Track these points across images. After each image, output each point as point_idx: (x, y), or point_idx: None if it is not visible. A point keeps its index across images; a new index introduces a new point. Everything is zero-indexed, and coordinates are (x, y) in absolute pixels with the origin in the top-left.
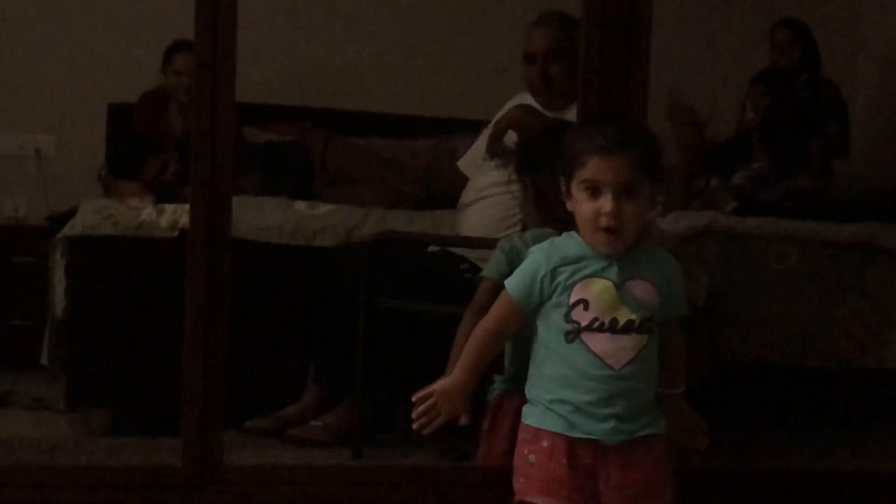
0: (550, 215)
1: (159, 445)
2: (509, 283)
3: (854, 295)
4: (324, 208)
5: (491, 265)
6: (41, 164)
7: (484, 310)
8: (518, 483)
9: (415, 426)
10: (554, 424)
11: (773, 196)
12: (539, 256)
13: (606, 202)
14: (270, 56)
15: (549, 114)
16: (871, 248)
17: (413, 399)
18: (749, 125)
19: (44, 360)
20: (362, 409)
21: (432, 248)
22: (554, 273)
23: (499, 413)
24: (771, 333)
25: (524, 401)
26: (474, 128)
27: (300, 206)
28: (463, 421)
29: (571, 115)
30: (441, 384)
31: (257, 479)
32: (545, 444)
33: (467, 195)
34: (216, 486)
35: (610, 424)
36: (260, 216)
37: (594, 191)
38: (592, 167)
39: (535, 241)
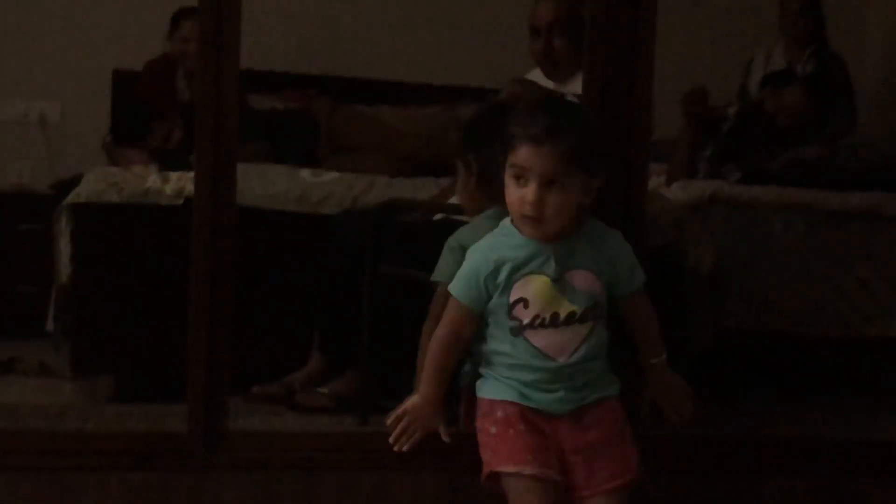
0: (492, 198)
1: (165, 412)
2: (454, 289)
3: (860, 264)
4: (329, 176)
5: (441, 268)
6: (46, 131)
7: (441, 317)
8: (486, 456)
9: (394, 447)
10: (506, 394)
11: (779, 165)
12: (478, 258)
13: (530, 191)
14: (276, 23)
15: (552, 85)
16: (876, 218)
17: (387, 423)
18: (784, 123)
19: (49, 327)
20: (368, 376)
21: (437, 216)
22: (495, 272)
23: (472, 398)
24: (776, 303)
25: None
26: (481, 96)
27: (305, 173)
28: (443, 436)
29: (576, 85)
30: (412, 402)
31: (262, 445)
32: (500, 414)
33: None
34: (221, 452)
35: (557, 395)
36: (265, 184)
37: (520, 178)
38: (520, 154)
39: (478, 231)
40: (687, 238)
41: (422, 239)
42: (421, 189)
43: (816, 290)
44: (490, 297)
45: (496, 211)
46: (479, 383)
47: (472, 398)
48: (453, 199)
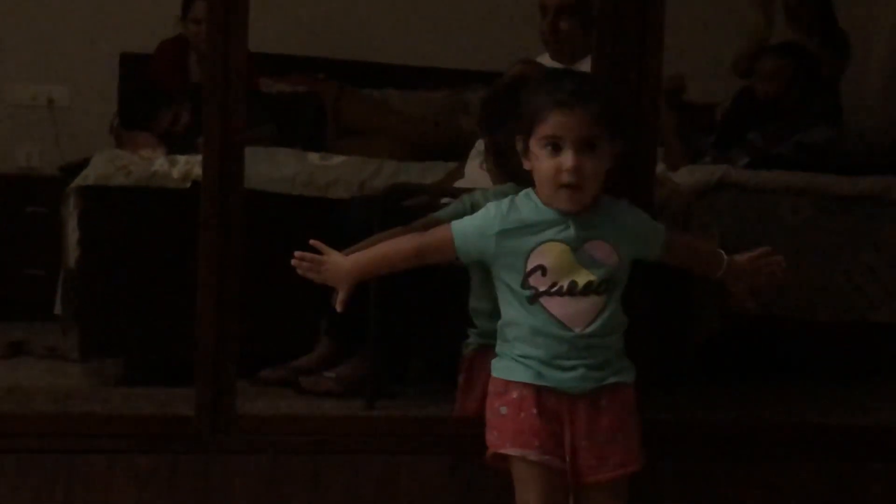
0: (510, 174)
1: (172, 395)
2: (456, 225)
3: (867, 249)
4: (337, 160)
5: (448, 209)
6: (54, 114)
7: (410, 233)
8: (491, 436)
9: (294, 263)
10: (522, 375)
11: (786, 149)
12: (494, 213)
13: (567, 158)
14: (285, 6)
15: (559, 66)
16: (884, 202)
17: (310, 242)
18: (762, 95)
19: (57, 310)
20: (375, 360)
21: (444, 200)
22: (505, 235)
23: (473, 369)
24: (782, 288)
25: None
26: (489, 79)
27: (313, 157)
28: (337, 305)
29: (584, 68)
30: (337, 256)
31: (270, 428)
32: (514, 395)
33: (478, 145)
34: (229, 436)
35: (577, 373)
36: (273, 167)
37: (555, 146)
38: (553, 122)
39: (496, 198)
40: (694, 223)
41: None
42: (429, 173)
43: (824, 275)
44: (482, 259)
45: (512, 186)
46: (494, 362)
47: (472, 372)
48: (460, 182)
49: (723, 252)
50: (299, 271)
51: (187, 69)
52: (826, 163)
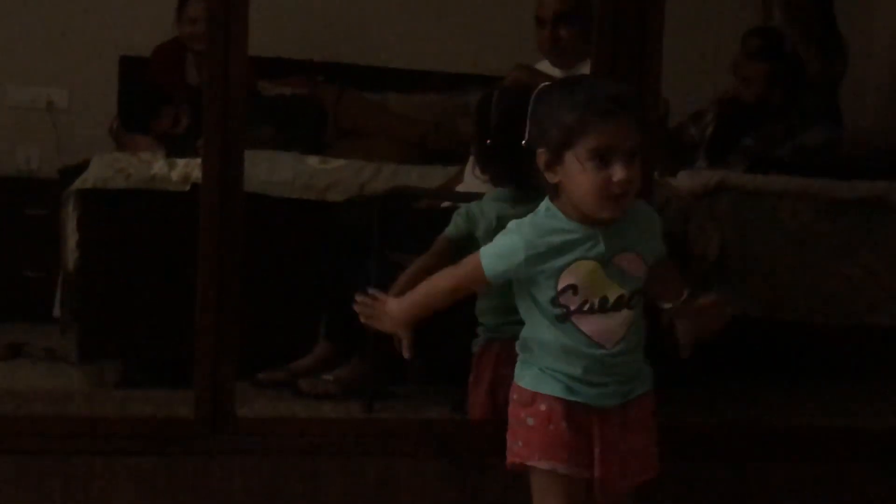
0: (503, 179)
1: (171, 397)
2: (485, 254)
3: (865, 252)
4: (336, 163)
5: (451, 227)
6: (53, 116)
7: (433, 260)
8: (516, 446)
9: (357, 309)
10: (551, 388)
11: (785, 153)
12: (518, 239)
13: (619, 170)
14: (284, 9)
15: (559, 73)
16: (883, 206)
17: (369, 290)
18: (746, 100)
19: (56, 313)
20: (373, 362)
21: (445, 204)
22: (534, 260)
23: (480, 364)
24: (782, 290)
25: (503, 349)
26: (488, 83)
27: (312, 160)
28: (404, 353)
29: (584, 71)
30: (390, 302)
31: (269, 430)
32: (543, 407)
33: None
34: (228, 437)
35: (606, 390)
36: (272, 170)
37: (603, 158)
38: (602, 134)
39: (489, 207)
40: (693, 226)
41: (428, 226)
42: (427, 176)
43: (823, 278)
44: (513, 277)
45: (507, 190)
46: (519, 370)
47: (479, 367)
48: (459, 187)
49: (685, 285)
50: (362, 319)
51: (184, 71)
52: (825, 166)
